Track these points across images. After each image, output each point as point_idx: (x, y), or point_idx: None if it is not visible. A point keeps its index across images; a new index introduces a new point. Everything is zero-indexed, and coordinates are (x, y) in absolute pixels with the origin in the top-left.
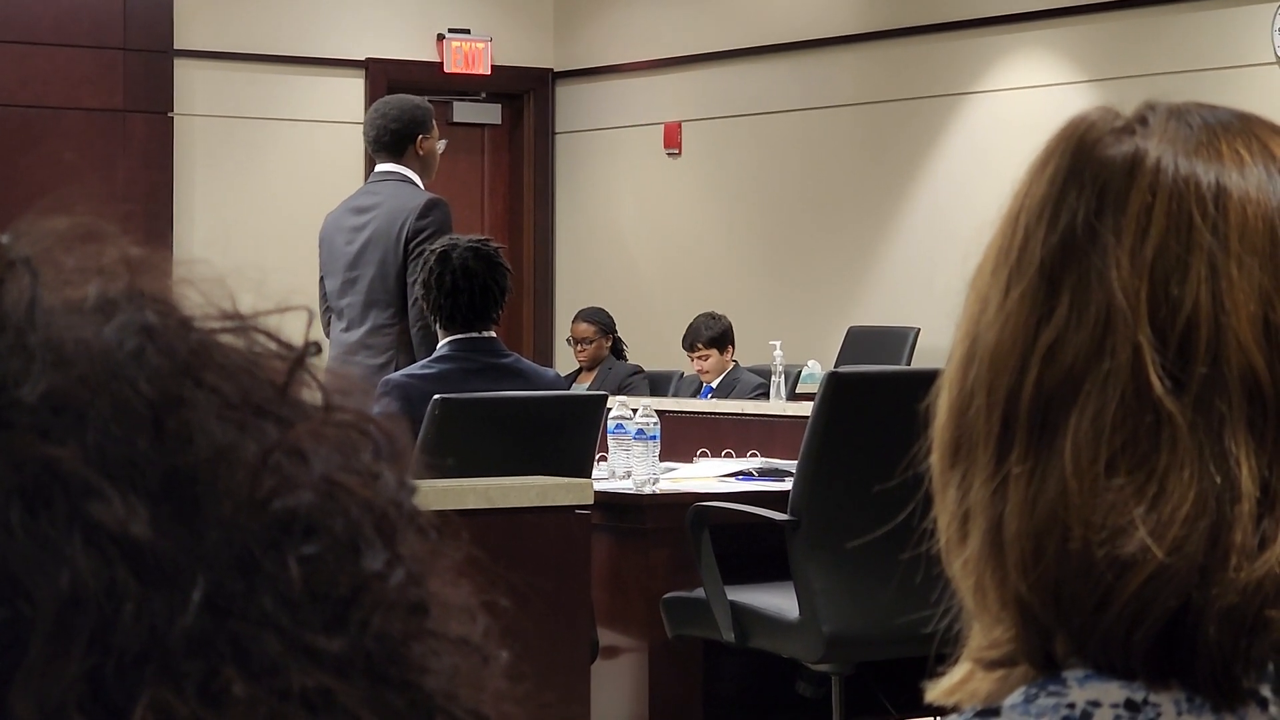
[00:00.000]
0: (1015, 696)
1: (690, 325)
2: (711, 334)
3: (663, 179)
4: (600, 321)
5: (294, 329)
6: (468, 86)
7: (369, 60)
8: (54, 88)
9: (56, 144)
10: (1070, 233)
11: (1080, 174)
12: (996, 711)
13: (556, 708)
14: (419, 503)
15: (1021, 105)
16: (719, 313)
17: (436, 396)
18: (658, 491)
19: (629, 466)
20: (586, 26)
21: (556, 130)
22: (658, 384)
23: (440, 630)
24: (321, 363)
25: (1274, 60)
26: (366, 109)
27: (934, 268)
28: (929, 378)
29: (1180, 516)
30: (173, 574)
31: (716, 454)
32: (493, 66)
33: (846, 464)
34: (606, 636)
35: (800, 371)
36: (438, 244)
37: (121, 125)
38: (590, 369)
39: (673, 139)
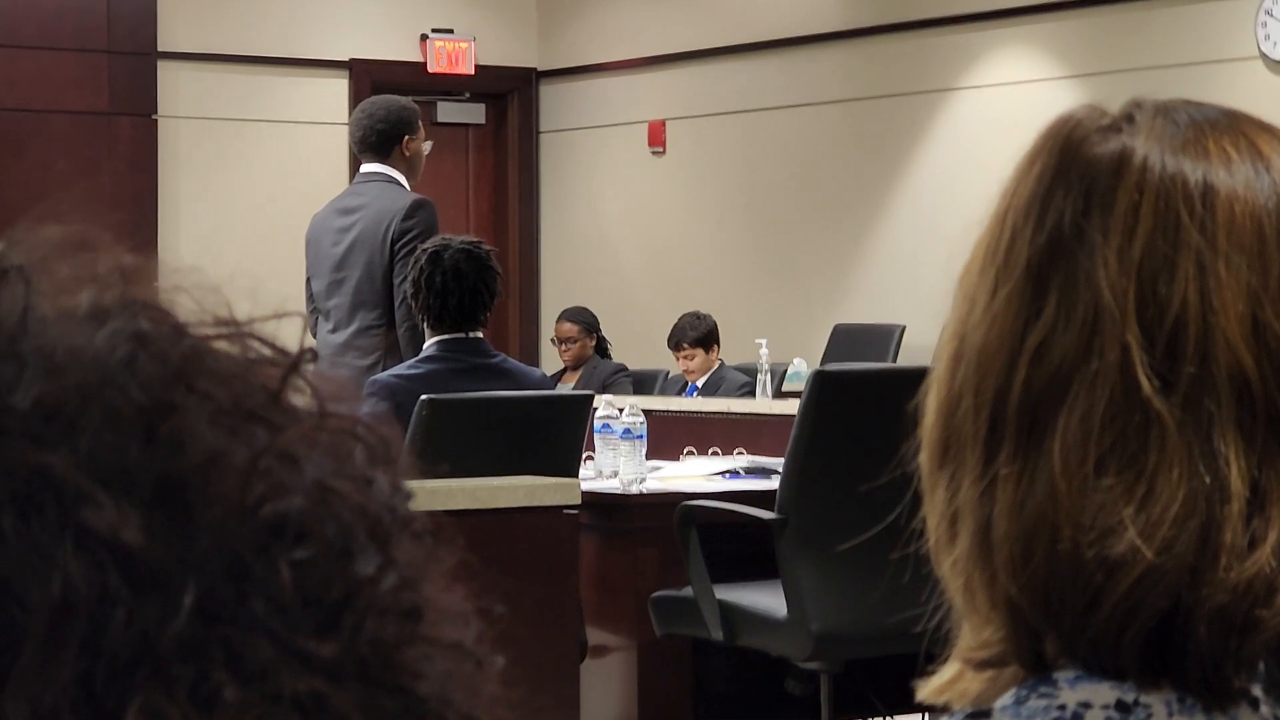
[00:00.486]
0: (1006, 698)
1: (675, 325)
2: (697, 333)
3: (647, 177)
4: (584, 321)
5: (288, 335)
6: (451, 86)
7: (353, 61)
8: (39, 91)
9: (42, 147)
10: (1057, 232)
11: (1067, 173)
12: (987, 714)
13: (546, 708)
14: (413, 507)
15: (1006, 101)
16: (704, 312)
17: (423, 397)
18: (645, 491)
19: (616, 466)
20: (570, 25)
21: (541, 129)
22: (643, 383)
23: (434, 635)
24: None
25: (1257, 55)
26: (351, 109)
27: (919, 265)
28: (915, 376)
29: (1170, 517)
30: (164, 579)
31: (703, 453)
32: (476, 66)
33: (833, 462)
34: (595, 636)
35: (786, 370)
36: (429, 244)
37: (107, 128)
38: (575, 368)
39: (657, 137)
